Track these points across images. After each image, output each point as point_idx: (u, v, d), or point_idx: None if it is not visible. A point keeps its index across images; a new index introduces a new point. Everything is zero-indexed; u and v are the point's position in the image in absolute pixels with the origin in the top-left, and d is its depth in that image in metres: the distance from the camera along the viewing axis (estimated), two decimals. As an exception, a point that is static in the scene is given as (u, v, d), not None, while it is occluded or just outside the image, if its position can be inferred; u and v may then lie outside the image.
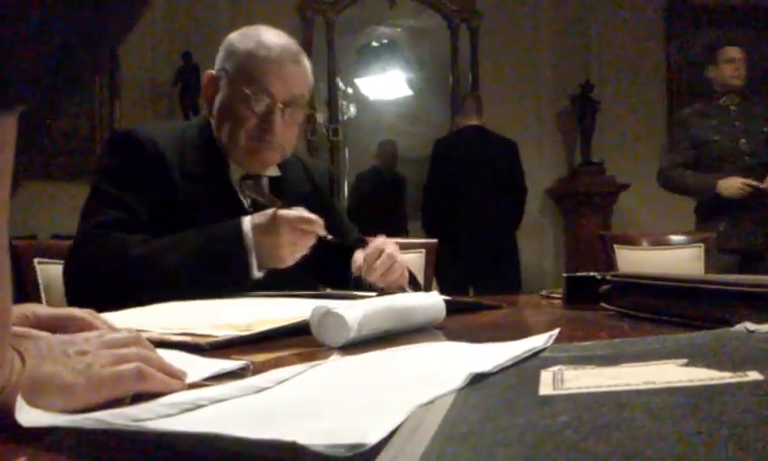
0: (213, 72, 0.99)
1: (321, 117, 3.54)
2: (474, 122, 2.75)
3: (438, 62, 3.81)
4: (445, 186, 2.57)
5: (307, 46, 3.49)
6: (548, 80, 3.76)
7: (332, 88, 3.54)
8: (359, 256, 0.95)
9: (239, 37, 0.97)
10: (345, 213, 1.20)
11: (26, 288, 1.06)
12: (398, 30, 3.89)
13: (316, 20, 3.51)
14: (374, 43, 3.88)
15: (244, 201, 0.98)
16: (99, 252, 0.85)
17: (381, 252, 0.93)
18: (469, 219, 2.20)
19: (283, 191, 1.01)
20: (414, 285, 1.01)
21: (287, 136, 0.97)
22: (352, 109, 3.75)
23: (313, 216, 0.86)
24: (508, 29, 3.72)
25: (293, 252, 0.85)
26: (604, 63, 3.79)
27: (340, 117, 3.59)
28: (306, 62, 0.98)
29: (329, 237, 0.87)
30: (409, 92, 3.83)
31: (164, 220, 0.90)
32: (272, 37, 0.96)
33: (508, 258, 2.58)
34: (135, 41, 3.21)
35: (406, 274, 0.97)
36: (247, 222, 0.85)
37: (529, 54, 3.74)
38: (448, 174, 2.58)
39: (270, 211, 0.85)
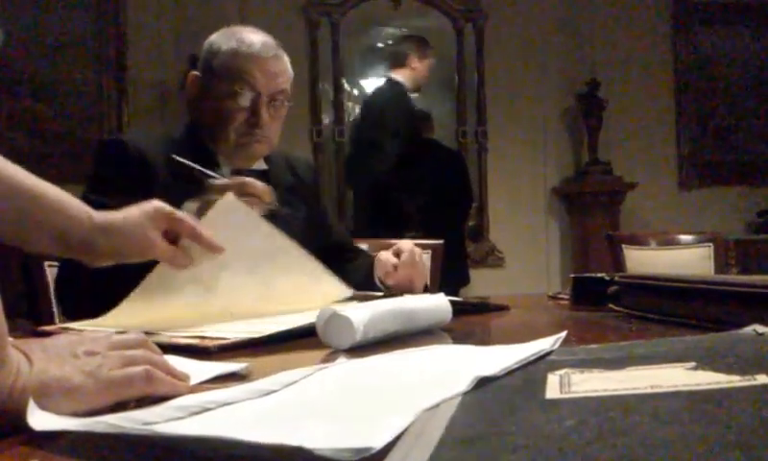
0: (197, 73, 1.01)
1: (326, 118, 3.55)
2: (425, 135, 3.00)
3: (443, 63, 3.80)
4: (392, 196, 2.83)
5: (312, 48, 3.49)
6: (554, 79, 3.73)
7: (337, 90, 3.54)
8: (386, 258, 0.94)
9: (220, 38, 1.00)
10: (332, 211, 1.21)
11: (36, 292, 1.07)
12: (404, 31, 3.88)
13: (321, 22, 3.51)
14: (379, 45, 3.88)
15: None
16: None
17: (411, 260, 0.92)
18: (415, 225, 2.34)
19: (270, 183, 1.01)
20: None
21: (273, 129, 1.00)
22: (357, 111, 3.75)
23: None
24: (513, 28, 3.71)
25: None
26: (610, 62, 3.76)
27: (345, 118, 3.59)
28: (286, 57, 1.01)
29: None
30: (414, 93, 3.82)
31: None
32: (251, 34, 0.99)
33: (455, 257, 2.87)
34: (143, 44, 3.23)
35: (423, 282, 0.98)
36: None
37: (535, 53, 3.72)
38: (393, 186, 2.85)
39: None
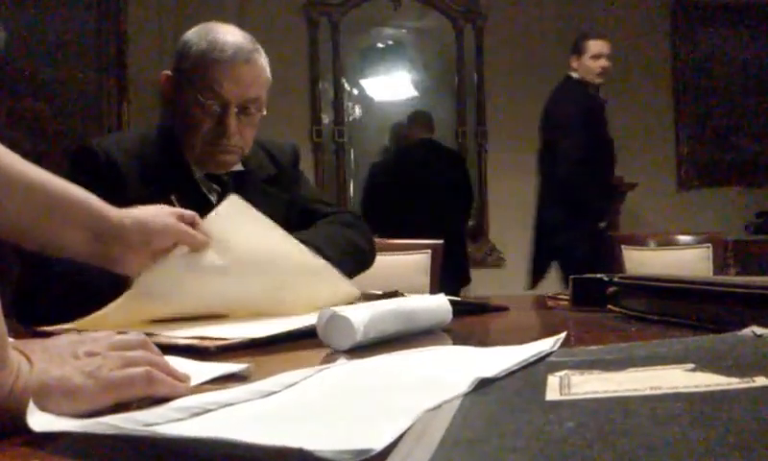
0: (169, 73, 0.96)
1: (326, 118, 3.55)
2: (425, 136, 2.99)
3: (443, 63, 3.80)
4: (390, 198, 2.82)
5: (312, 48, 3.49)
6: (554, 79, 3.74)
7: (337, 90, 3.54)
8: None
9: (193, 36, 0.94)
10: (313, 189, 1.16)
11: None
12: (403, 31, 3.88)
13: (321, 22, 3.51)
14: (379, 45, 3.88)
15: (209, 196, 0.97)
16: (26, 267, 0.82)
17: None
18: (415, 226, 2.35)
19: (247, 182, 1.00)
20: None
21: (244, 137, 0.95)
22: (357, 111, 3.75)
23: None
24: (513, 29, 3.71)
25: None
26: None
27: (345, 118, 3.59)
28: (262, 61, 0.95)
29: None
30: (414, 93, 3.82)
31: None
32: (225, 37, 0.92)
33: (457, 257, 2.87)
34: (143, 44, 3.23)
35: None
36: None
37: (534, 53, 3.72)
38: (394, 186, 2.85)
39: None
